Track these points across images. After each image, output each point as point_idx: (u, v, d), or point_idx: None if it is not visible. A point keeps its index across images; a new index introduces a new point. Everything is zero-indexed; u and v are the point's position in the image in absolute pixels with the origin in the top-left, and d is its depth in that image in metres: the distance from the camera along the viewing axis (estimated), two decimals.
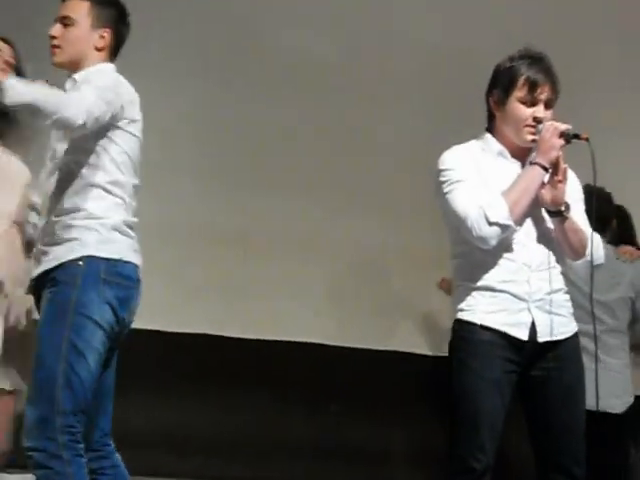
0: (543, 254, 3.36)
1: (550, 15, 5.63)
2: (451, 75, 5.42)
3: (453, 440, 3.34)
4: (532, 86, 3.32)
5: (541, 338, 3.32)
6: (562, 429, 3.32)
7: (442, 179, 3.34)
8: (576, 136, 3.30)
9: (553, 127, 3.29)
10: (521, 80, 3.33)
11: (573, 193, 3.42)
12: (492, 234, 3.24)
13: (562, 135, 3.29)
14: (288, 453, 5.12)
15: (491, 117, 3.44)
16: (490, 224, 3.23)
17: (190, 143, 5.28)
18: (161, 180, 4.86)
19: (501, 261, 3.32)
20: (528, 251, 3.34)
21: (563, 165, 3.31)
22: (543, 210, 3.36)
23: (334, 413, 5.29)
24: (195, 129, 5.30)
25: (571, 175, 3.43)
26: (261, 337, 5.21)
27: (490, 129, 3.45)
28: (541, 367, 3.34)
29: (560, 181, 3.30)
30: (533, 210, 3.35)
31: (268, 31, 5.42)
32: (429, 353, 5.41)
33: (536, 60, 3.36)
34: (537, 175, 3.30)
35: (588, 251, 3.37)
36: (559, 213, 3.33)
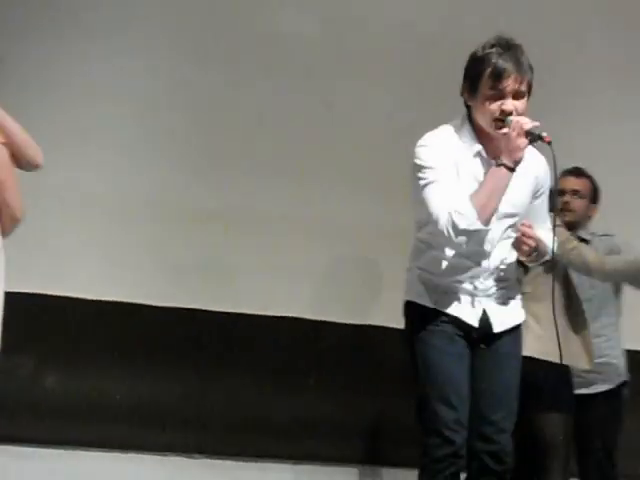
0: (499, 255, 3.49)
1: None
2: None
3: (425, 415, 3.41)
4: (497, 78, 3.32)
5: (496, 329, 3.47)
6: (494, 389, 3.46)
7: (419, 174, 3.40)
8: (540, 137, 3.30)
9: (519, 125, 3.28)
10: (487, 72, 3.33)
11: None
12: (461, 240, 3.33)
13: (527, 134, 3.29)
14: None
15: (468, 105, 3.47)
16: (458, 232, 3.30)
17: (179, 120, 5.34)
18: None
19: (459, 260, 3.44)
20: (484, 254, 3.45)
21: None
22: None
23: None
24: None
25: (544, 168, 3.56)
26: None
27: (469, 114, 3.46)
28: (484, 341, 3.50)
29: None
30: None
31: (253, 12, 5.43)
32: None
33: (506, 49, 3.35)
34: (503, 177, 3.34)
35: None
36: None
